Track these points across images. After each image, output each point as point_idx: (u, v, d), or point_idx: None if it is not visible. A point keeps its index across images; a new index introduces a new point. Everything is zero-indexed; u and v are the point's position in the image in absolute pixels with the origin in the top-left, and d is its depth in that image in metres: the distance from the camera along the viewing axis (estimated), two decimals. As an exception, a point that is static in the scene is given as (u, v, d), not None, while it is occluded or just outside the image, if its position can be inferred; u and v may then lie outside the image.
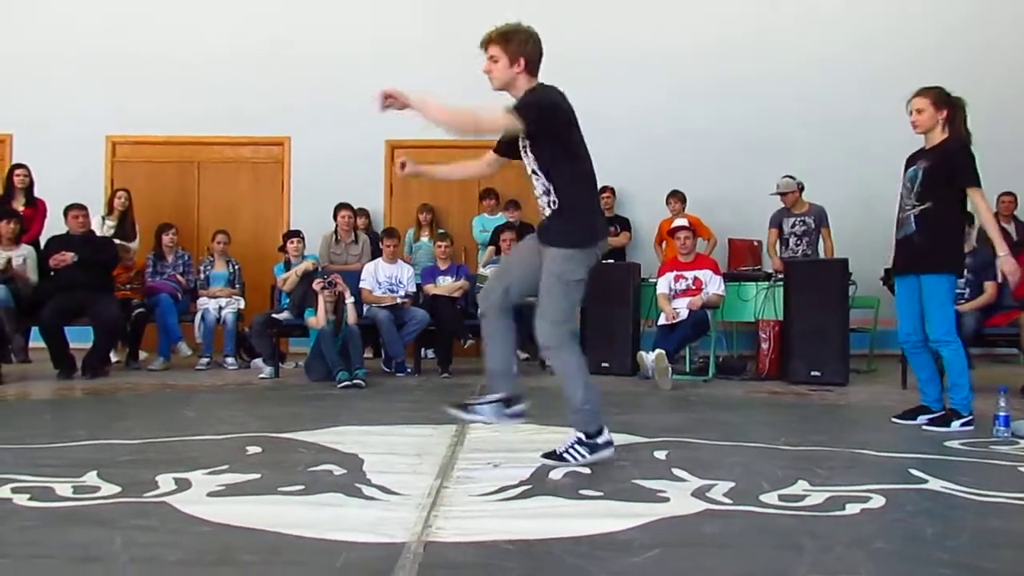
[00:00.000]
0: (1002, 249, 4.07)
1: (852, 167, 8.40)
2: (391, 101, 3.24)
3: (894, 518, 2.52)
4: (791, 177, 7.41)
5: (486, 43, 3.27)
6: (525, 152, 3.29)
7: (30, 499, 2.64)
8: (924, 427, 4.18)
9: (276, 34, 9.02)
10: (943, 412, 4.22)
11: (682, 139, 8.82)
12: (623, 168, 8.61)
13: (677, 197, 8.07)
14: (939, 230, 4.13)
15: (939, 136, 4.18)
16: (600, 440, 3.22)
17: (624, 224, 8.50)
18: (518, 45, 3.22)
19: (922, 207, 4.15)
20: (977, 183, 4.05)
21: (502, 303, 3.32)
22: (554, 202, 3.23)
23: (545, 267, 3.22)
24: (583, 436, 3.21)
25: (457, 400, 3.40)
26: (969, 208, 4.25)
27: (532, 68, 3.25)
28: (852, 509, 2.57)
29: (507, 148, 3.40)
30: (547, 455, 3.22)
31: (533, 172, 3.27)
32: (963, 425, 4.11)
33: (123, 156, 9.18)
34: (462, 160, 3.89)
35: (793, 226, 7.43)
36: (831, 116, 8.72)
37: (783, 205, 7.50)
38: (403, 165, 3.48)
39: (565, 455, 3.19)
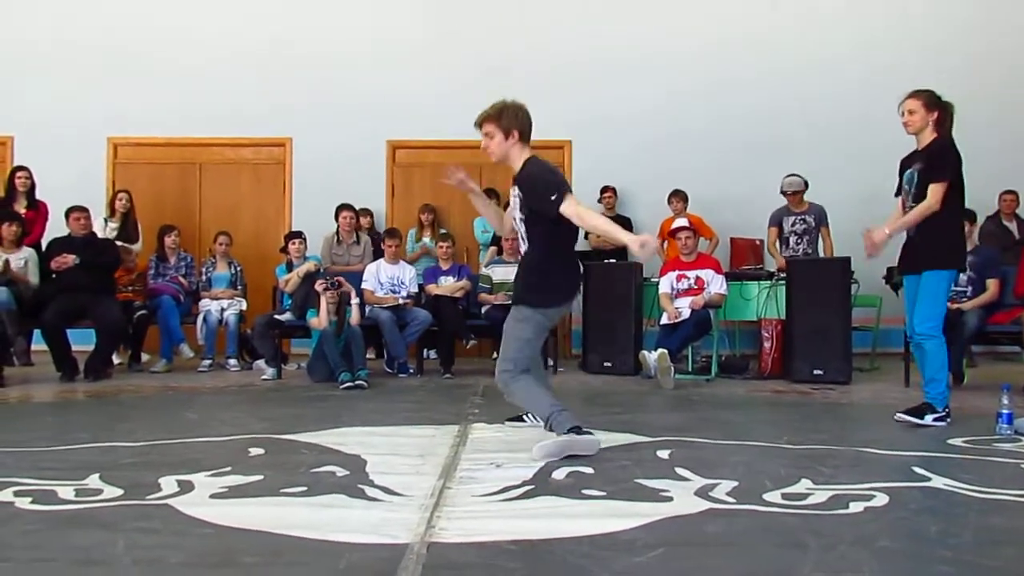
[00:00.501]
0: (888, 227, 4.23)
1: (852, 166, 8.39)
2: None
3: (897, 516, 2.52)
4: (798, 176, 7.40)
5: (480, 122, 3.63)
6: (514, 208, 3.70)
7: (32, 502, 2.64)
8: (896, 417, 4.24)
9: (277, 35, 9.03)
10: (919, 403, 4.25)
11: (683, 139, 8.82)
12: (624, 167, 8.64)
13: (679, 196, 8.07)
14: (936, 228, 4.18)
15: (929, 137, 4.28)
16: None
17: (625, 224, 8.46)
18: (509, 120, 3.58)
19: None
20: (942, 178, 4.12)
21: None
22: (527, 253, 3.67)
23: (510, 315, 3.67)
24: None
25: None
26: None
27: (525, 138, 3.62)
28: (856, 507, 2.57)
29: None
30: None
31: (522, 235, 3.68)
32: (936, 420, 4.15)
33: (124, 158, 9.18)
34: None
35: (793, 225, 7.44)
36: (831, 116, 8.73)
37: (784, 204, 7.50)
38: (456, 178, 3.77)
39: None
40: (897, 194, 4.48)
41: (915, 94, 4.28)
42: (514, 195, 3.67)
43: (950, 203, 4.17)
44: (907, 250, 4.36)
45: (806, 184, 7.42)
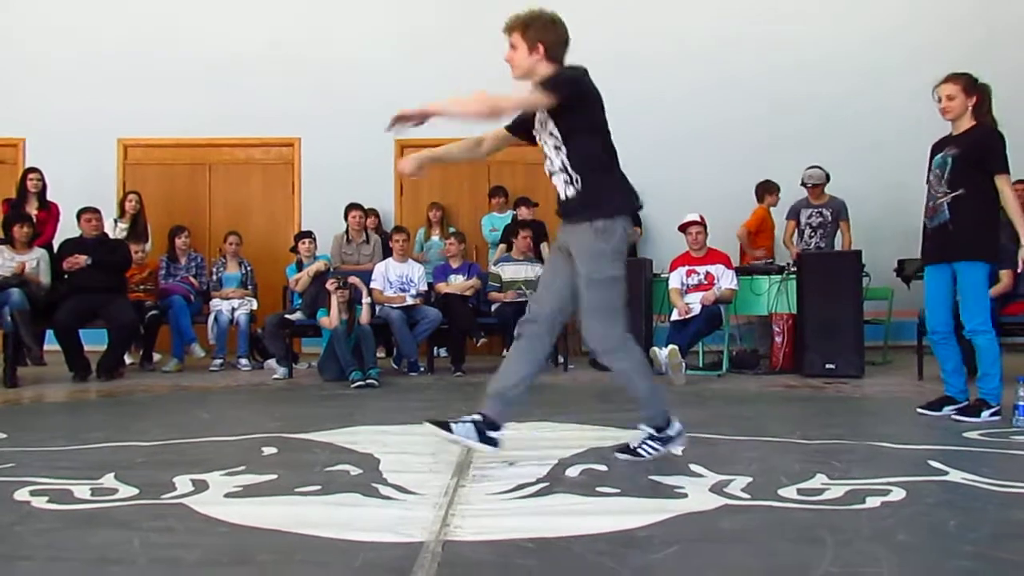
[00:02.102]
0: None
1: (864, 160, 8.35)
2: (404, 122, 3.13)
3: (915, 511, 2.50)
4: (820, 168, 7.34)
5: (507, 30, 3.20)
6: (543, 127, 3.18)
7: (48, 501, 2.65)
8: (953, 418, 4.14)
9: (285, 36, 9.04)
10: (971, 402, 4.18)
11: (696, 134, 8.81)
12: (635, 164, 8.52)
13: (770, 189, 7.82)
14: (974, 217, 4.06)
15: (968, 122, 4.13)
16: (671, 432, 3.23)
17: (636, 220, 8.47)
18: (537, 31, 3.14)
19: (954, 194, 4.09)
20: (1006, 170, 4.02)
21: (553, 320, 3.19)
22: (577, 179, 3.10)
23: (578, 261, 3.10)
24: (654, 431, 3.22)
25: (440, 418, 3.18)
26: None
27: (553, 54, 3.16)
28: (872, 502, 2.55)
29: (519, 127, 3.31)
30: (620, 449, 3.24)
31: (555, 148, 3.14)
32: (992, 415, 4.07)
33: (135, 159, 9.22)
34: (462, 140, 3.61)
35: (810, 217, 7.37)
36: (843, 110, 8.68)
37: (804, 196, 7.44)
38: (408, 167, 3.39)
39: (639, 451, 3.20)
40: (928, 181, 4.28)
41: (952, 78, 4.12)
42: (540, 120, 3.18)
43: (988, 192, 4.05)
44: (935, 239, 4.20)
45: (827, 177, 7.35)
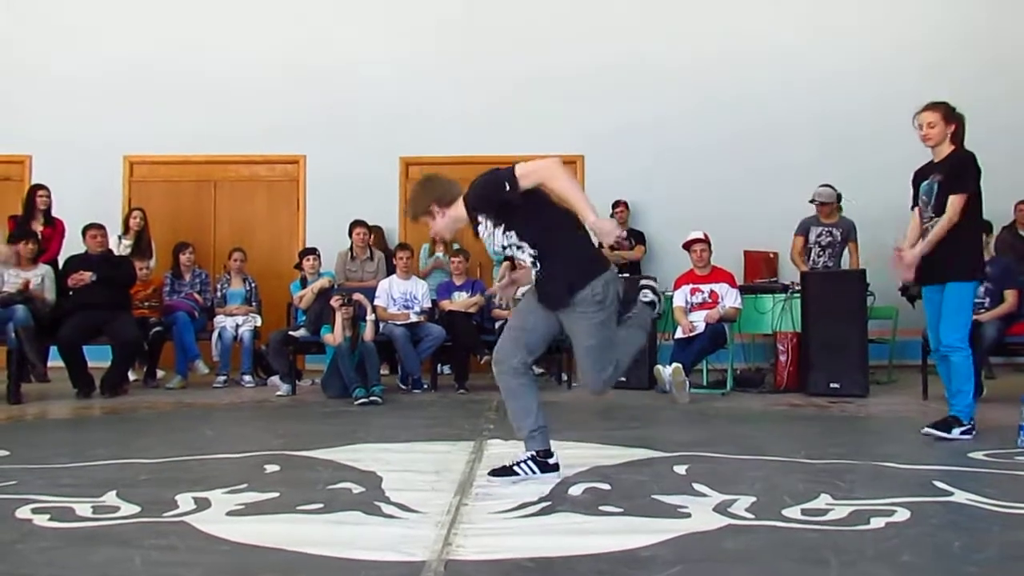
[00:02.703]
0: (922, 250, 4.18)
1: (869, 180, 8.34)
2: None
3: (920, 531, 2.49)
4: (831, 187, 7.32)
5: (413, 217, 3.49)
6: (488, 235, 3.33)
7: (50, 519, 2.64)
8: (923, 431, 4.21)
9: (290, 54, 9.09)
10: (944, 417, 4.23)
11: (697, 153, 8.81)
12: (638, 182, 8.64)
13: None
14: (957, 239, 4.17)
15: (947, 148, 4.28)
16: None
17: (639, 237, 8.49)
18: (427, 199, 3.36)
19: (939, 219, 4.20)
20: (964, 191, 4.13)
21: (523, 365, 3.35)
22: (545, 266, 3.26)
23: (575, 331, 3.27)
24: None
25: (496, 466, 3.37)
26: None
27: (444, 203, 3.34)
28: (877, 523, 2.54)
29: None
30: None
31: (516, 247, 3.27)
32: (963, 433, 4.13)
33: (140, 176, 9.26)
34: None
35: (819, 236, 7.32)
36: (845, 130, 8.69)
37: (814, 213, 7.42)
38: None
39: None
40: (914, 207, 4.44)
41: (932, 107, 4.28)
42: (486, 234, 3.32)
43: (970, 214, 4.18)
44: (925, 262, 4.31)
45: (839, 197, 7.34)
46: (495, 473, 3.28)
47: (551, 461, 3.30)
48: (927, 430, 4.20)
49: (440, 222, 3.38)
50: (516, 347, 3.34)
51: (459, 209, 3.33)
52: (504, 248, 3.30)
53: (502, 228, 3.26)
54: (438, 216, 3.36)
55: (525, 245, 3.25)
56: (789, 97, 8.79)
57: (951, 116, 4.25)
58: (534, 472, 3.25)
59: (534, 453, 3.29)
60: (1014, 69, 8.78)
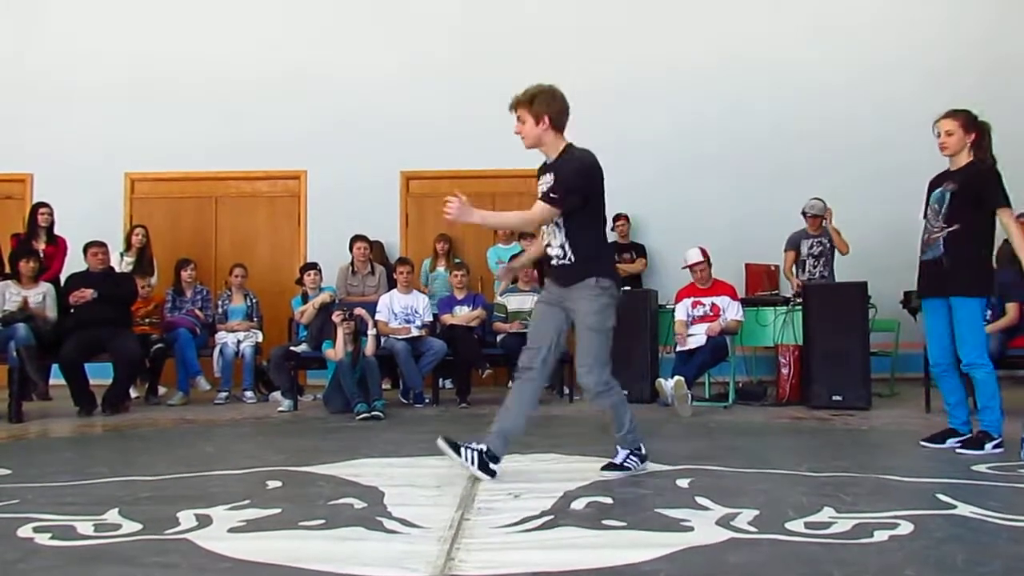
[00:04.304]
0: None
1: (870, 190, 8.37)
2: (459, 213, 3.40)
3: (923, 545, 2.47)
4: (821, 200, 7.37)
5: (513, 106, 3.55)
6: (544, 187, 3.56)
7: (52, 538, 2.63)
8: (957, 451, 4.13)
9: (290, 70, 9.14)
10: (974, 435, 4.18)
11: (698, 165, 8.85)
12: (639, 194, 8.65)
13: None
14: (969, 253, 4.10)
15: (965, 158, 4.18)
16: (643, 452, 3.70)
17: (640, 250, 8.50)
18: (540, 105, 3.48)
19: (950, 229, 4.13)
20: (1007, 204, 4.07)
21: (545, 365, 3.58)
22: (574, 249, 3.50)
23: (582, 313, 3.49)
24: (634, 450, 3.65)
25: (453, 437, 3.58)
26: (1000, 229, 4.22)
27: (557, 124, 3.51)
28: (880, 536, 2.53)
29: None
30: (606, 468, 3.61)
31: (555, 225, 3.53)
32: (995, 447, 4.07)
33: (141, 192, 9.30)
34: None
35: (811, 248, 7.40)
36: (848, 140, 8.72)
37: (803, 227, 7.46)
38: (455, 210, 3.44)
39: (625, 464, 3.62)
40: (926, 215, 4.33)
41: (952, 114, 4.18)
42: (544, 184, 3.54)
43: (983, 228, 4.12)
44: (930, 274, 4.24)
45: (828, 210, 7.39)
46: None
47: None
48: (961, 451, 4.10)
49: (533, 130, 3.49)
50: (543, 343, 3.58)
51: (554, 145, 3.53)
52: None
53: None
54: (539, 125, 3.48)
55: (562, 230, 3.51)
56: (792, 108, 8.82)
57: (972, 125, 4.15)
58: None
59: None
60: (1018, 76, 8.79)
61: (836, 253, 7.43)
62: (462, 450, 3.46)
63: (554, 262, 3.58)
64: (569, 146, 3.55)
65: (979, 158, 4.15)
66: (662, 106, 8.90)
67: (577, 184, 3.45)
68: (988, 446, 4.07)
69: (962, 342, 4.12)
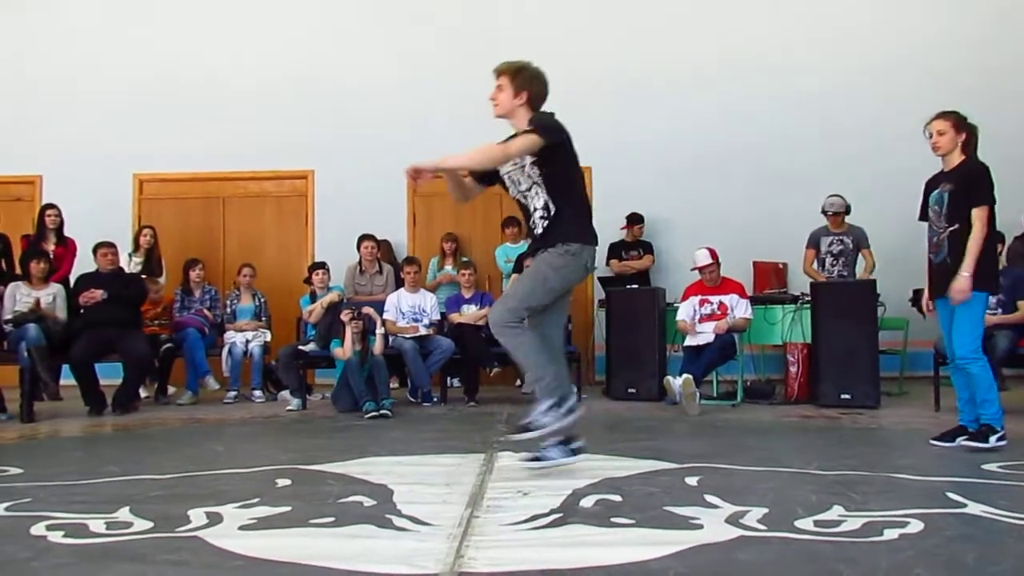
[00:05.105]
0: (967, 270, 4.09)
1: (878, 190, 8.33)
2: (420, 175, 3.42)
3: (933, 543, 2.47)
4: (840, 197, 7.34)
5: (497, 72, 3.61)
6: (521, 170, 3.54)
7: (64, 536, 2.65)
8: (961, 443, 4.17)
9: (297, 70, 9.16)
10: (978, 429, 4.19)
11: (706, 164, 8.82)
12: (647, 193, 8.65)
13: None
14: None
15: (958, 158, 4.26)
16: (567, 406, 3.48)
17: (647, 248, 8.49)
18: (524, 80, 3.55)
19: (951, 228, 4.20)
20: (985, 203, 4.13)
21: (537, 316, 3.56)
22: (552, 212, 3.51)
23: (535, 260, 3.55)
24: (550, 403, 3.46)
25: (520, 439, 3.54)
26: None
27: (534, 103, 3.57)
28: (890, 534, 2.53)
29: (481, 176, 3.73)
30: (518, 429, 3.51)
31: (533, 185, 3.53)
32: (998, 440, 4.09)
33: (150, 193, 9.33)
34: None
35: (830, 245, 7.35)
36: (854, 141, 8.69)
37: (823, 224, 7.43)
38: (415, 176, 3.49)
39: (535, 424, 3.47)
40: (922, 217, 4.44)
41: (943, 115, 4.27)
42: (518, 164, 3.54)
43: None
44: (938, 274, 4.30)
45: (848, 207, 7.36)
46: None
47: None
48: (965, 443, 4.15)
49: (508, 101, 3.55)
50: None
51: (523, 119, 3.52)
52: (522, 185, 3.55)
53: (533, 161, 3.49)
54: (516, 98, 3.54)
55: (543, 188, 3.52)
56: (796, 107, 8.79)
57: (962, 125, 4.24)
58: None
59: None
60: (1018, 76, 8.76)
61: (859, 254, 7.39)
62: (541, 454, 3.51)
63: (536, 222, 3.57)
64: (534, 116, 3.55)
65: (970, 156, 4.25)
66: (670, 106, 8.86)
67: (551, 127, 3.46)
68: (992, 439, 4.09)
69: (958, 333, 4.18)
